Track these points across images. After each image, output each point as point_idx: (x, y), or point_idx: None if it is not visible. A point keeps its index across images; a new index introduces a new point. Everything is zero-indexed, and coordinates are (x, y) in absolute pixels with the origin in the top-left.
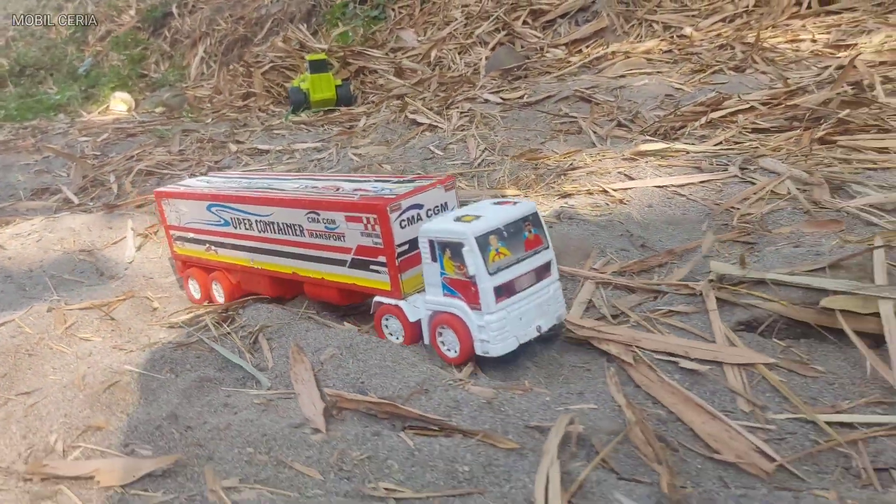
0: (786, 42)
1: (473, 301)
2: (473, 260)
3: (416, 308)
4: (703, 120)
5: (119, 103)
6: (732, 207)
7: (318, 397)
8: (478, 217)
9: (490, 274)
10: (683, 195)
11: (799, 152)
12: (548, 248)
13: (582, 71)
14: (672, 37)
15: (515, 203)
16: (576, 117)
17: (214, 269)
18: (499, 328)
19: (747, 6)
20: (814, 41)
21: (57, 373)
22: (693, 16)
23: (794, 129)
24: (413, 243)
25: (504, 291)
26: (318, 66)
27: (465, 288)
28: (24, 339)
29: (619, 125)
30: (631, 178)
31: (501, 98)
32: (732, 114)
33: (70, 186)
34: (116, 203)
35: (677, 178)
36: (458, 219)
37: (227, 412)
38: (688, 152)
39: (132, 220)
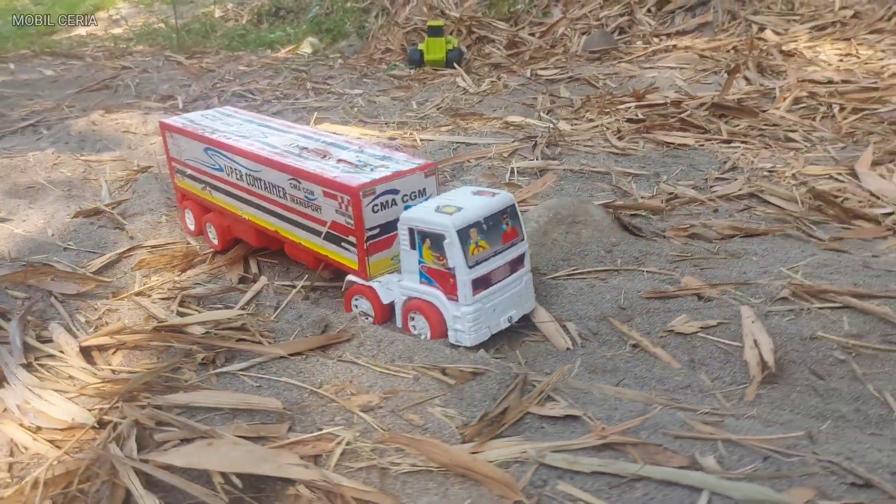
0: (813, 53)
1: (451, 292)
2: (454, 253)
3: (390, 290)
4: (598, 106)
5: (307, 46)
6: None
7: None
8: (459, 209)
9: (469, 267)
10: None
11: (609, 136)
12: (523, 240)
13: (642, 59)
14: (750, 38)
15: (494, 194)
16: (553, 94)
17: (209, 209)
18: (474, 319)
19: (844, 17)
20: (843, 58)
21: None
22: (791, 20)
23: (639, 121)
24: (384, 227)
25: (481, 283)
26: (434, 32)
27: (442, 278)
28: None
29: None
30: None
31: (533, 74)
32: (649, 106)
33: (184, 97)
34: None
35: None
36: (439, 209)
37: None
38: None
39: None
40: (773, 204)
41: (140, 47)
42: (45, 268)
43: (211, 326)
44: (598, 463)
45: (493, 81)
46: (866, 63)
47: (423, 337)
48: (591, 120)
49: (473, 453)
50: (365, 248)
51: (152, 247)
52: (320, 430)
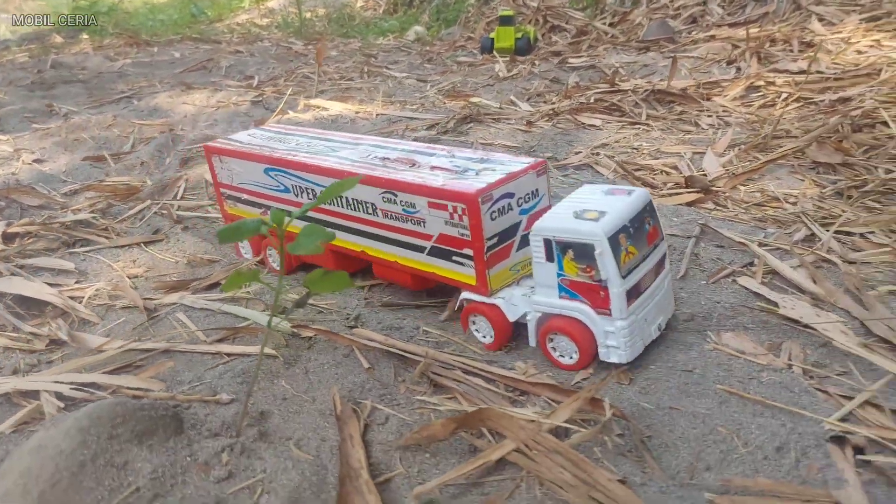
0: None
1: (602, 306)
2: (606, 263)
3: (515, 306)
4: (564, 91)
5: (412, 34)
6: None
7: None
8: (602, 213)
9: (622, 277)
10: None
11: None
12: (663, 239)
13: (680, 49)
14: (802, 28)
15: (630, 192)
16: (551, 79)
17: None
18: (629, 334)
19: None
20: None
21: None
22: (852, 11)
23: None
24: (502, 235)
25: (633, 293)
26: (505, 21)
27: (590, 292)
28: None
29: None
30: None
31: (561, 63)
32: (613, 91)
33: (260, 77)
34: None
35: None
36: (579, 215)
37: None
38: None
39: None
40: (598, 171)
41: (276, 34)
42: (27, 188)
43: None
44: None
45: (524, 67)
46: (872, 54)
47: (567, 360)
48: (553, 103)
49: None
50: (485, 260)
51: (106, 182)
52: None
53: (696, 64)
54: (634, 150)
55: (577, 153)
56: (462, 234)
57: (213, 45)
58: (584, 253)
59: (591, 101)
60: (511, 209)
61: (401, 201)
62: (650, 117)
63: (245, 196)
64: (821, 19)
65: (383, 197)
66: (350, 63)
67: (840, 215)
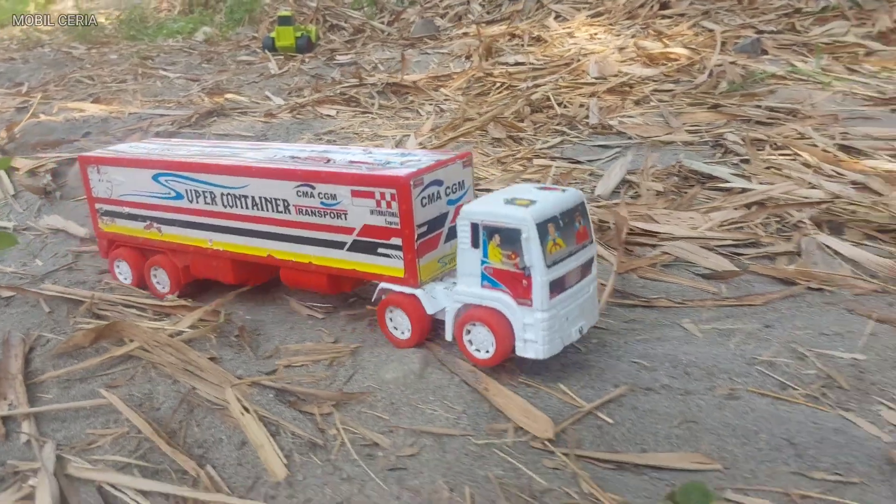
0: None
1: (523, 295)
2: (532, 249)
3: (434, 299)
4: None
5: (200, 34)
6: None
7: None
8: (533, 202)
9: (547, 267)
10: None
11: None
12: (592, 242)
13: (437, 46)
14: (478, 28)
15: (564, 190)
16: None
17: (156, 250)
18: (549, 328)
19: (611, 5)
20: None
21: None
22: (583, 8)
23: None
24: (432, 224)
25: (556, 287)
26: (283, 21)
27: (513, 280)
28: None
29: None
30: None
31: (328, 60)
32: (360, 86)
33: (30, 83)
34: None
35: None
36: (509, 201)
37: None
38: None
39: None
40: None
41: (62, 39)
42: None
43: None
44: None
45: (294, 65)
46: (574, 47)
47: (483, 354)
48: (304, 97)
49: None
50: (415, 248)
51: None
52: None
53: (443, 59)
54: (356, 135)
55: (301, 139)
56: (390, 223)
57: None
58: (510, 238)
59: (337, 94)
60: (439, 197)
61: (319, 193)
62: (382, 107)
63: (126, 209)
64: (557, 16)
65: (298, 191)
66: (126, 66)
67: (491, 176)
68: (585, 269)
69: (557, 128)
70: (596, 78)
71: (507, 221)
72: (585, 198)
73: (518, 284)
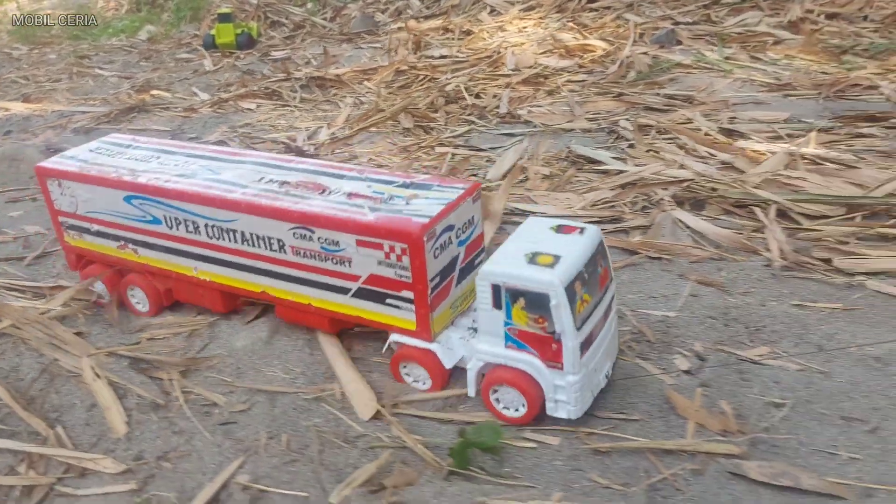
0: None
1: (553, 359)
2: (561, 316)
3: (452, 351)
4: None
5: (144, 32)
6: None
7: None
8: (557, 258)
9: (577, 329)
10: None
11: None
12: (613, 280)
13: (376, 41)
14: (406, 21)
15: (582, 231)
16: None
17: (132, 269)
18: (581, 388)
19: None
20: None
21: None
22: (516, 1)
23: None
24: (443, 273)
25: (585, 345)
26: (223, 18)
27: (541, 343)
28: None
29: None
30: None
31: (263, 56)
32: (286, 80)
33: None
34: None
35: None
36: (531, 259)
37: None
38: None
39: None
40: (227, 144)
41: (4, 39)
42: None
43: None
44: None
45: (229, 61)
46: (496, 41)
47: (513, 413)
48: (231, 92)
49: None
50: (429, 302)
51: None
52: None
53: (374, 53)
54: (272, 127)
55: (217, 132)
56: (400, 276)
57: None
58: (537, 303)
59: (261, 88)
60: (451, 243)
61: (319, 238)
62: (304, 100)
63: (96, 227)
64: (491, 10)
65: (295, 233)
66: (63, 65)
67: (391, 163)
68: (608, 312)
69: (468, 118)
70: (512, 70)
71: (533, 286)
72: (602, 235)
73: (547, 348)
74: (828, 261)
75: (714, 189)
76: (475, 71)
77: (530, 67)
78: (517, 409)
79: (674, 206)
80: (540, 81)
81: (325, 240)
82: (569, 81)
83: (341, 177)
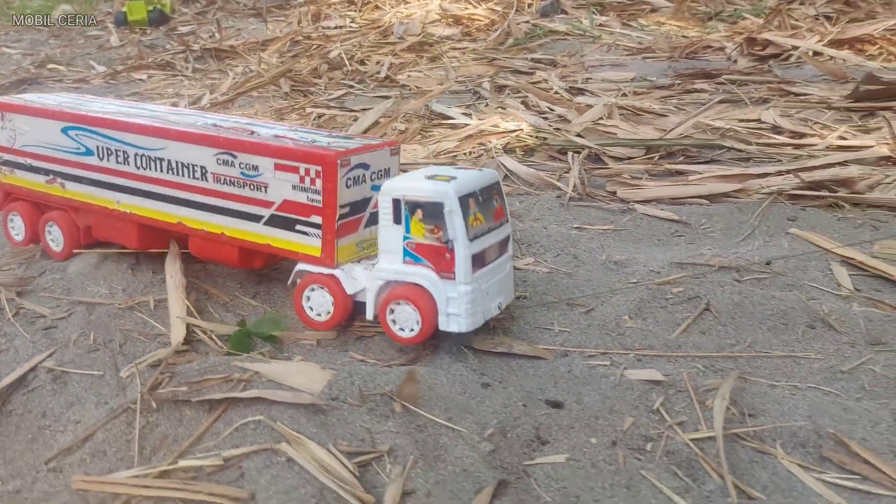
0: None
1: (446, 269)
2: (454, 223)
3: (355, 280)
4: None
5: (59, 11)
6: None
7: None
8: (453, 177)
9: (469, 240)
10: None
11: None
12: (509, 222)
13: (281, 15)
14: None
15: (481, 169)
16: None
17: (55, 207)
18: (472, 301)
19: None
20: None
21: None
22: None
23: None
24: (354, 207)
25: (477, 262)
26: None
27: (436, 254)
28: None
29: None
30: None
31: (170, 31)
32: (182, 52)
33: None
34: None
35: None
36: (430, 177)
37: None
38: None
39: None
40: None
41: None
42: None
43: None
44: None
45: (135, 36)
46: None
47: (407, 333)
48: (129, 65)
49: None
50: (336, 228)
51: None
52: None
53: (276, 25)
54: (159, 95)
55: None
56: (312, 200)
57: None
58: (433, 212)
59: (157, 60)
60: (364, 181)
61: (240, 163)
62: (196, 70)
63: (29, 161)
64: None
65: (219, 159)
66: None
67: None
68: (503, 246)
69: (348, 82)
70: (399, 38)
71: (430, 195)
72: (499, 178)
73: (441, 258)
74: (613, 193)
75: (545, 138)
76: (364, 40)
77: (416, 36)
78: (412, 329)
79: (501, 153)
80: (425, 49)
81: (246, 164)
82: (452, 49)
83: (271, 128)
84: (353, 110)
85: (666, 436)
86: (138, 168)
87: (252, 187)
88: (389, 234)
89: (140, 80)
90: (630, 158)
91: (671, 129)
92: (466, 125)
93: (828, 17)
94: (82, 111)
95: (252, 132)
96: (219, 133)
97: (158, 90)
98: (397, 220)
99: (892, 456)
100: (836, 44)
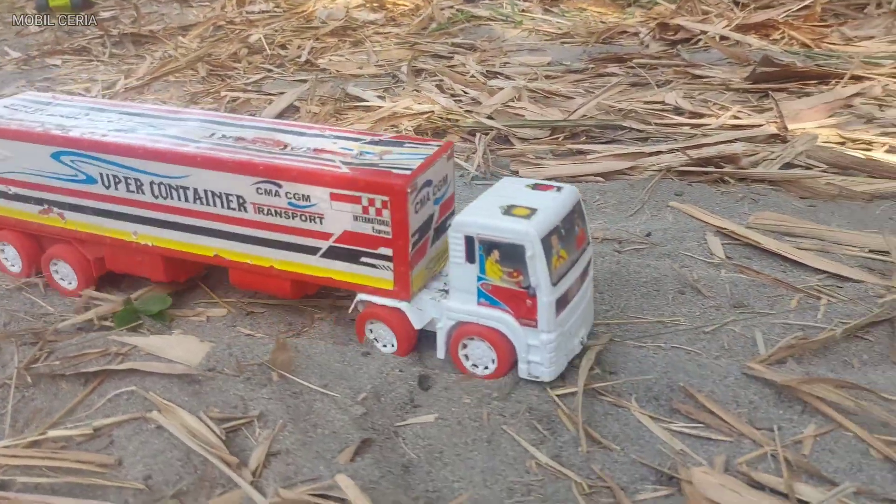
0: None
1: (527, 316)
2: (537, 268)
3: (422, 311)
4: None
5: None
6: None
7: None
8: (533, 210)
9: (553, 284)
10: None
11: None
12: (590, 243)
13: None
14: None
15: (559, 189)
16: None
17: (56, 238)
18: (555, 349)
19: None
20: None
21: None
22: None
23: None
24: (421, 230)
25: (561, 304)
26: None
27: (515, 299)
28: None
29: None
30: None
31: (92, 16)
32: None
33: None
34: None
35: None
36: (507, 211)
37: None
38: None
39: None
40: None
41: None
42: None
43: None
44: None
45: (54, 23)
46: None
47: (481, 370)
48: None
49: None
50: (409, 259)
51: None
52: None
53: (201, 10)
54: (73, 81)
55: (11, 87)
56: (379, 232)
57: None
58: (512, 255)
59: (72, 46)
60: (428, 199)
61: (287, 193)
62: (113, 55)
63: (14, 189)
64: None
65: (259, 188)
66: None
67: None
68: (584, 274)
69: (266, 66)
70: (322, 22)
71: (509, 237)
72: (580, 196)
73: (521, 304)
74: (516, 172)
75: (456, 120)
76: (287, 24)
77: (340, 20)
78: (486, 367)
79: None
80: (347, 34)
81: (295, 195)
82: (376, 33)
83: (302, 134)
84: (269, 94)
85: (531, 394)
86: (156, 197)
87: (303, 218)
88: (462, 273)
89: (54, 65)
90: (536, 139)
91: (574, 110)
92: (380, 107)
93: (737, 3)
94: (74, 134)
95: (285, 146)
96: (250, 155)
97: (72, 76)
98: (470, 259)
99: (735, 406)
100: (743, 28)
